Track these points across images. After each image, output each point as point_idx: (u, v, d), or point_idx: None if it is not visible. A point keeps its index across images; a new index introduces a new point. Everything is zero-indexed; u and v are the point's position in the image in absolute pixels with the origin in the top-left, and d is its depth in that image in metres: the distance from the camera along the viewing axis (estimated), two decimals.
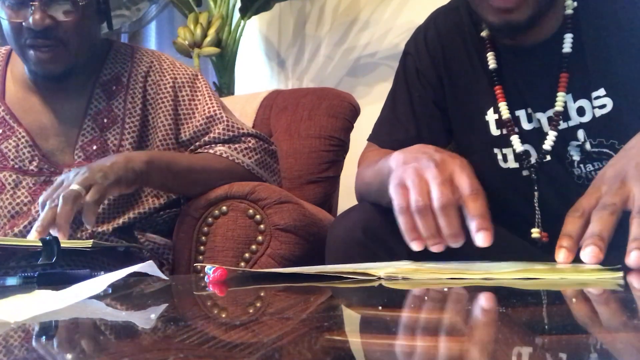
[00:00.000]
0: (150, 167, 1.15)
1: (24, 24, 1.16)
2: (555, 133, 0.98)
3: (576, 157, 0.99)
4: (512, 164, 1.04)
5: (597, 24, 0.96)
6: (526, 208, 1.04)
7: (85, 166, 1.10)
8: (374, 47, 2.23)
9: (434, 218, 0.77)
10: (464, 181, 0.78)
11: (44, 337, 0.48)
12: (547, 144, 0.99)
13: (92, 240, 0.97)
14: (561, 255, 0.73)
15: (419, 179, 0.79)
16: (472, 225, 0.75)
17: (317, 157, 1.59)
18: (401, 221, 0.79)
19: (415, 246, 0.79)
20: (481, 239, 0.75)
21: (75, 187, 1.04)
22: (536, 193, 1.01)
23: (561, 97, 0.97)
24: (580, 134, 0.98)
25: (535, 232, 0.99)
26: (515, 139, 1.01)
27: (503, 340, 0.40)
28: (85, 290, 0.63)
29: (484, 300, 0.59)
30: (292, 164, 1.58)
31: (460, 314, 0.52)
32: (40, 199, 1.06)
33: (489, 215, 0.76)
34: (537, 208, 1.01)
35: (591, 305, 0.55)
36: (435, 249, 0.78)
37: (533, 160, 1.02)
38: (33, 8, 1.15)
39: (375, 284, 0.69)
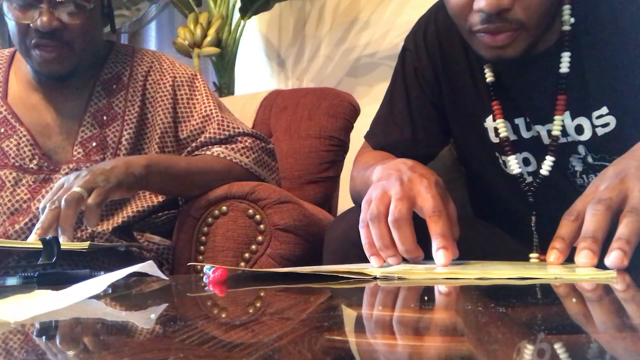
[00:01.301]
0: (149, 170, 1.15)
1: (31, 25, 1.18)
2: (553, 158, 0.96)
3: (578, 168, 0.98)
4: (511, 170, 1.02)
5: (596, 41, 0.93)
6: (526, 212, 1.03)
7: (85, 169, 1.11)
8: (374, 47, 2.23)
9: (389, 230, 0.78)
10: (427, 202, 0.79)
11: (44, 337, 0.48)
12: (545, 169, 0.97)
13: (88, 242, 0.97)
14: (552, 256, 0.73)
15: (382, 194, 0.81)
16: (434, 243, 0.77)
17: (317, 157, 1.59)
18: (361, 235, 0.81)
19: (374, 261, 0.79)
20: (441, 257, 0.75)
21: (77, 189, 1.04)
22: (533, 217, 1.00)
23: (558, 120, 0.94)
24: (581, 148, 0.96)
25: (533, 258, 0.98)
26: (512, 160, 1.00)
27: (503, 340, 0.40)
28: (85, 290, 0.63)
29: (482, 300, 0.59)
30: (292, 164, 1.58)
31: (459, 313, 0.52)
32: (41, 204, 1.06)
33: (450, 235, 0.78)
34: (535, 233, 1.00)
35: (590, 306, 0.55)
36: (391, 261, 0.79)
37: (531, 169, 1.01)
38: (41, 10, 1.16)
39: (372, 283, 0.69)
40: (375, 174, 0.89)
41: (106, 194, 1.07)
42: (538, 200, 1.00)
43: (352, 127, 1.65)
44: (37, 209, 1.20)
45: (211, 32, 2.14)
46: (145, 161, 1.17)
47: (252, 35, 2.50)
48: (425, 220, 0.79)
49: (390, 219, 0.78)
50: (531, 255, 0.98)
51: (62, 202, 1.02)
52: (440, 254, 0.76)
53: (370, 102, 1.85)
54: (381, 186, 0.82)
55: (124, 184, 1.11)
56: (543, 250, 0.98)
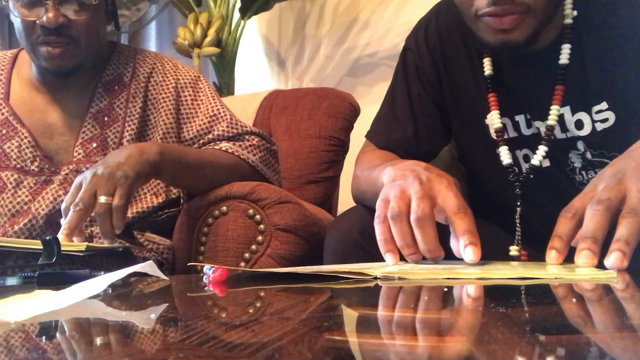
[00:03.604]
0: (163, 158, 1.15)
1: (37, 22, 1.18)
2: (545, 148, 0.96)
3: (578, 164, 0.98)
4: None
5: (598, 35, 0.93)
6: (528, 209, 1.03)
7: (100, 164, 1.09)
8: (374, 47, 2.23)
9: (410, 229, 0.78)
10: (451, 200, 0.78)
11: (44, 337, 0.48)
12: (536, 159, 0.97)
13: (85, 244, 0.97)
14: (551, 256, 0.73)
15: (401, 193, 0.80)
16: (461, 241, 0.76)
17: (317, 157, 1.59)
18: (377, 231, 0.80)
19: (390, 259, 0.79)
20: (470, 253, 0.74)
21: (102, 199, 1.04)
22: (519, 209, 0.99)
23: (555, 110, 0.95)
24: (580, 144, 0.97)
25: (513, 250, 0.96)
26: (503, 151, 1.00)
27: (503, 340, 0.40)
28: (85, 290, 0.63)
29: (482, 300, 0.59)
30: (292, 164, 1.58)
31: (459, 313, 0.52)
32: (63, 206, 1.06)
33: (476, 231, 0.76)
34: (518, 225, 0.99)
35: (590, 306, 0.55)
36: (410, 259, 0.79)
37: (524, 169, 1.01)
38: (47, 6, 1.17)
39: (372, 283, 0.69)
40: (386, 174, 0.88)
41: (128, 191, 1.06)
42: (526, 193, 1.00)
43: (352, 127, 1.65)
44: (37, 210, 1.20)
45: (211, 32, 2.14)
46: (158, 148, 1.15)
47: (252, 35, 2.50)
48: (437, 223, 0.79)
49: (413, 217, 0.77)
50: (511, 247, 0.97)
51: (96, 217, 1.04)
52: (469, 250, 0.74)
53: (370, 102, 1.86)
54: (398, 185, 0.81)
55: (141, 173, 1.10)
56: (525, 244, 0.98)
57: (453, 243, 0.78)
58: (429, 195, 0.78)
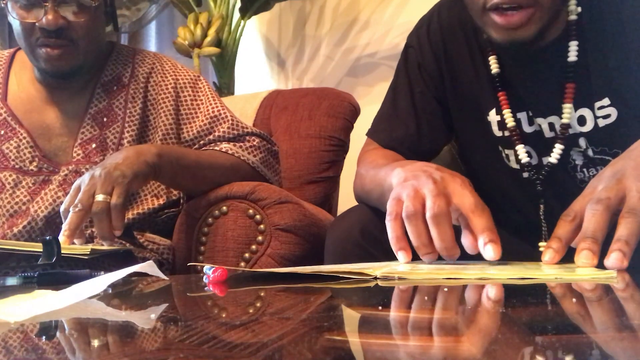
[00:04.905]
0: (161, 160, 1.15)
1: (36, 24, 1.18)
2: (562, 146, 0.96)
3: (579, 162, 0.98)
4: (514, 164, 1.03)
5: (601, 31, 0.93)
6: (530, 207, 1.03)
7: (98, 166, 1.09)
8: (374, 47, 2.23)
9: (426, 227, 0.77)
10: (467, 198, 0.78)
11: (44, 337, 0.48)
12: (553, 157, 0.97)
13: (90, 247, 0.97)
14: (548, 255, 0.74)
15: (414, 193, 0.79)
16: (480, 239, 0.75)
17: (317, 157, 1.59)
18: (389, 228, 0.79)
19: (402, 257, 0.78)
20: (490, 251, 0.74)
21: (100, 197, 1.04)
22: (542, 206, 1.00)
23: (568, 108, 0.94)
24: (582, 141, 0.97)
25: (542, 246, 0.97)
26: (520, 149, 1.00)
27: (503, 340, 0.40)
28: (85, 290, 0.63)
29: (482, 300, 0.59)
30: (292, 164, 1.58)
31: (459, 313, 0.52)
32: (62, 208, 1.06)
33: (495, 229, 0.76)
34: (543, 221, 0.99)
35: (590, 306, 0.55)
36: (426, 258, 0.78)
37: (533, 163, 1.01)
38: (46, 8, 1.17)
39: (372, 284, 0.69)
40: (395, 175, 0.88)
41: (126, 190, 1.06)
42: (545, 190, 1.00)
43: (352, 127, 1.65)
44: (36, 212, 1.20)
45: (211, 32, 2.14)
46: (156, 149, 1.15)
47: (252, 35, 2.50)
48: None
49: (429, 214, 0.76)
50: (540, 244, 0.97)
51: (93, 217, 1.03)
52: (489, 248, 0.74)
53: (370, 102, 1.86)
54: (411, 185, 0.81)
55: (139, 174, 1.10)
56: (525, 242, 0.98)
57: (465, 240, 0.78)
58: (444, 194, 0.78)
